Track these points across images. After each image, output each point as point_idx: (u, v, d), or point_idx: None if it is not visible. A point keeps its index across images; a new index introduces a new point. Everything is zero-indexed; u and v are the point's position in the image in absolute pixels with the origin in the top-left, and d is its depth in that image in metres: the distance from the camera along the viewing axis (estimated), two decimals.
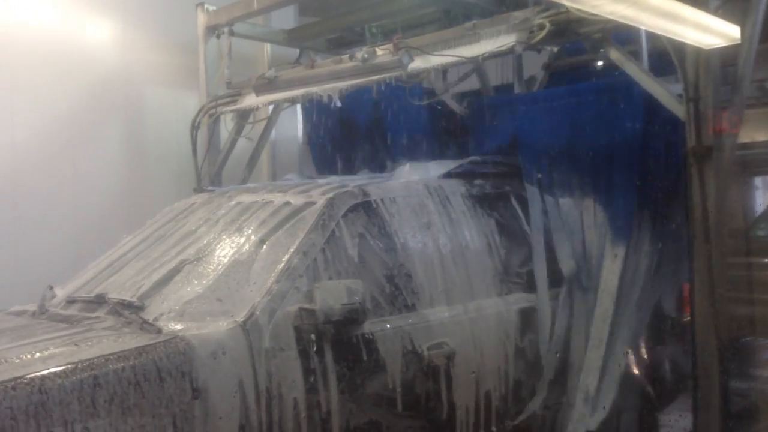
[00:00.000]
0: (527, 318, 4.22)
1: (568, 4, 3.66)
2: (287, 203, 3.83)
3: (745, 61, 4.07)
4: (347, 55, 4.92)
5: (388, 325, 3.55)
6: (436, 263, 3.89)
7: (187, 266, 3.57)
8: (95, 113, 6.43)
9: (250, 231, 3.72)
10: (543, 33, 4.11)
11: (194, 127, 6.24)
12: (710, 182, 3.77)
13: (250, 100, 5.66)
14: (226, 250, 3.63)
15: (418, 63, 4.46)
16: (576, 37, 4.19)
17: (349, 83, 4.80)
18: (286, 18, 7.34)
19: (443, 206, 4.13)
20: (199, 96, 6.50)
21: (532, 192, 4.53)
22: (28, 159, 5.93)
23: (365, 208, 3.80)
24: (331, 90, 4.89)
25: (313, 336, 3.25)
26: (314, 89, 5.03)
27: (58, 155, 6.12)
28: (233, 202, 4.13)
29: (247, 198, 4.12)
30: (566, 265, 4.42)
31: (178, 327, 3.09)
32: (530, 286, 4.32)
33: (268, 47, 7.23)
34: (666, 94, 3.95)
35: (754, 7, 4.03)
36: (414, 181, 4.23)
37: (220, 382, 2.96)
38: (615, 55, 4.10)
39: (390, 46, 4.62)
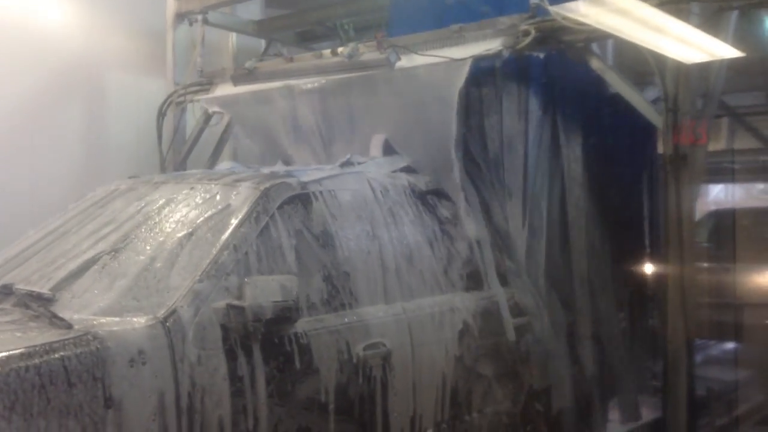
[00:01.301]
0: (475, 317, 4.02)
1: (557, 12, 3.81)
2: (218, 193, 3.55)
3: (716, 74, 4.30)
4: (329, 50, 4.96)
5: (323, 325, 3.34)
6: (376, 260, 3.70)
7: (104, 258, 3.27)
8: (56, 97, 6.29)
9: (175, 222, 3.44)
10: (528, 39, 4.23)
11: (161, 114, 6.18)
12: (685, 189, 3.98)
13: (224, 89, 5.63)
14: (148, 241, 3.35)
15: (404, 62, 4.53)
16: (559, 45, 4.32)
17: (331, 77, 4.84)
18: (251, 9, 7.31)
19: (386, 201, 3.95)
20: (166, 83, 6.42)
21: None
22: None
23: (303, 200, 3.58)
24: (311, 84, 4.92)
25: (241, 335, 3.02)
26: (294, 82, 5.05)
27: (16, 141, 5.96)
28: (159, 190, 3.81)
29: (174, 186, 3.81)
30: None
31: (92, 323, 2.79)
32: (476, 284, 4.17)
33: (233, 37, 7.19)
34: (645, 104, 4.13)
35: (725, 24, 4.26)
36: (357, 174, 4.03)
37: (137, 386, 2.70)
38: (596, 64, 4.26)
39: (373, 43, 4.67)
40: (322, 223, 3.59)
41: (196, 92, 6.02)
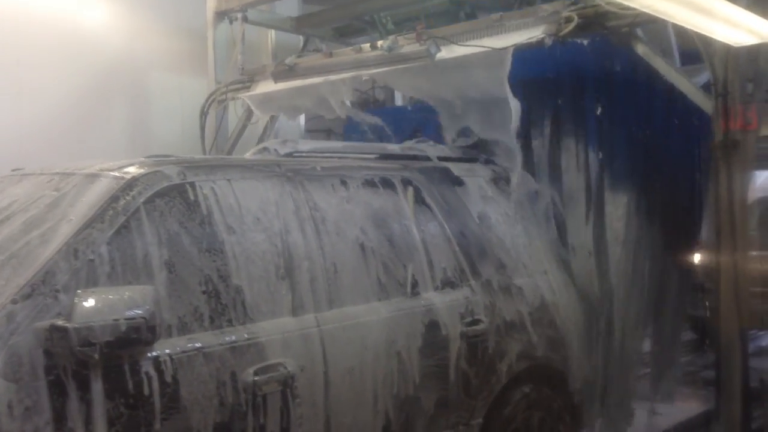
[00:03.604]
0: (422, 327, 3.45)
1: None
2: (75, 186, 2.94)
3: (766, 57, 4.17)
4: (368, 44, 4.95)
5: (197, 346, 2.71)
6: (281, 264, 3.08)
7: None
8: (101, 98, 6.39)
9: (14, 219, 2.85)
10: (571, 26, 4.16)
11: (203, 113, 6.24)
12: (736, 174, 3.88)
13: (265, 86, 5.65)
14: None
15: (443, 54, 4.50)
16: (603, 30, 4.25)
17: (371, 72, 4.83)
18: (289, 6, 7.35)
19: (300, 192, 3.33)
20: (207, 82, 6.47)
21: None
22: (33, 145, 5.85)
23: (182, 194, 2.93)
24: (352, 79, 4.92)
25: (73, 363, 2.42)
26: (333, 78, 5.05)
27: (63, 141, 6.05)
28: (20, 184, 3.24)
29: (36, 179, 3.21)
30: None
31: None
32: (421, 288, 3.56)
33: (272, 34, 7.21)
34: (693, 88, 4.04)
35: None
36: (264, 160, 3.49)
37: None
38: (642, 49, 4.17)
39: (413, 35, 4.64)
40: (208, 222, 2.95)
41: (237, 90, 6.05)
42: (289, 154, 3.69)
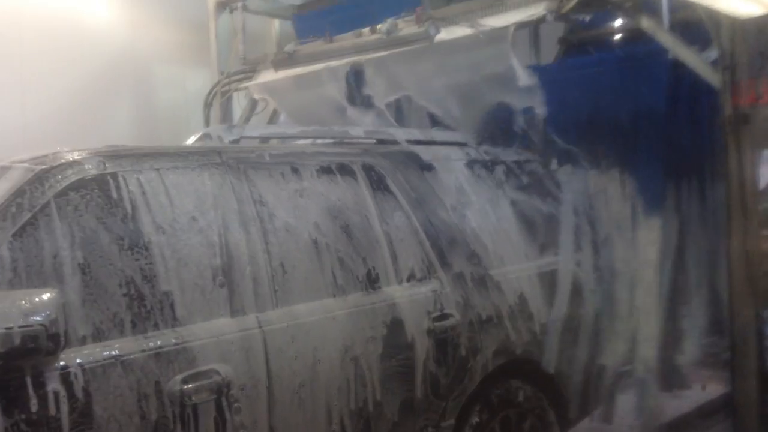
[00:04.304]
0: (383, 324, 3.16)
1: None
2: None
3: None
4: (368, 28, 4.86)
5: (114, 354, 2.44)
6: (217, 262, 2.78)
7: None
8: (104, 91, 6.38)
9: None
10: (573, 1, 4.04)
11: (207, 105, 6.19)
12: (747, 151, 3.75)
13: (267, 76, 5.59)
14: None
15: (443, 35, 4.40)
16: (606, 5, 4.13)
17: (371, 56, 4.75)
18: None
19: (244, 183, 3.01)
20: (210, 73, 6.42)
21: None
22: (38, 138, 5.82)
23: (101, 185, 2.63)
24: (353, 63, 4.84)
25: None
26: (335, 63, 4.97)
27: (66, 134, 6.01)
28: None
29: None
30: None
31: None
32: (382, 283, 3.25)
33: (276, 23, 7.13)
34: (700, 62, 3.91)
35: None
36: (202, 147, 3.16)
37: None
38: (647, 24, 4.04)
39: (412, 17, 4.55)
40: (132, 217, 2.66)
41: (240, 80, 6.00)
42: (236, 141, 3.42)
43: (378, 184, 3.47)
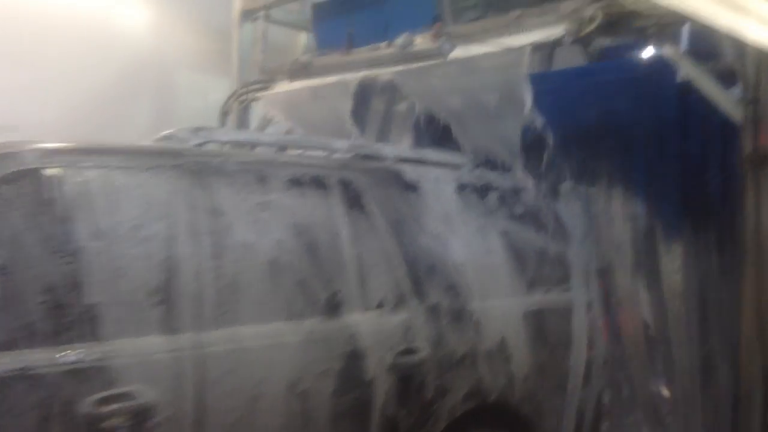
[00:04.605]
0: (339, 355, 2.88)
1: None
2: None
3: None
4: (385, 42, 4.75)
5: (19, 366, 2.20)
6: (156, 274, 2.52)
7: None
8: (125, 93, 6.40)
9: None
10: (593, 25, 3.87)
11: (224, 113, 6.10)
12: (766, 194, 3.51)
13: (283, 86, 5.49)
14: None
15: (459, 52, 4.27)
16: (629, 31, 3.94)
17: (387, 70, 4.62)
18: None
19: (201, 190, 2.74)
20: (232, 82, 6.35)
21: None
22: (58, 140, 5.83)
23: (35, 180, 2.41)
24: (367, 77, 4.72)
25: None
26: (349, 76, 4.86)
27: (86, 133, 5.99)
28: None
29: None
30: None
31: None
32: (345, 309, 2.96)
33: (303, 36, 7.08)
34: (723, 95, 3.69)
35: None
36: (159, 147, 2.90)
37: None
38: (670, 52, 3.84)
39: (430, 33, 4.43)
40: (66, 218, 2.41)
41: (257, 90, 5.91)
42: (203, 145, 3.10)
43: (354, 201, 3.19)
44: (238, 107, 6.11)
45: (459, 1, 5.12)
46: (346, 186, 3.20)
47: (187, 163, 2.75)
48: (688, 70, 3.82)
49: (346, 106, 4.86)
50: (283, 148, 3.67)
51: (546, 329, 3.67)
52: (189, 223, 2.64)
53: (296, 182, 3.03)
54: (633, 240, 4.00)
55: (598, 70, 4.02)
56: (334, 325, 2.89)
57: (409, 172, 3.54)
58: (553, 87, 4.01)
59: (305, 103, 5.34)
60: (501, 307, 3.52)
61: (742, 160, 3.59)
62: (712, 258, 3.85)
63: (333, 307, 2.91)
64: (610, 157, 4.03)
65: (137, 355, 2.40)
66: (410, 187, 3.49)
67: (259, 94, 5.85)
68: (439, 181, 3.64)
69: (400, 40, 4.45)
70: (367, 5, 5.28)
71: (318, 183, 3.11)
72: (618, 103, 3.91)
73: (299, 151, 3.63)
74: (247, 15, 6.23)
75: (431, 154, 3.88)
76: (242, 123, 6.19)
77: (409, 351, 3.06)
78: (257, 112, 6.12)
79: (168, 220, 2.60)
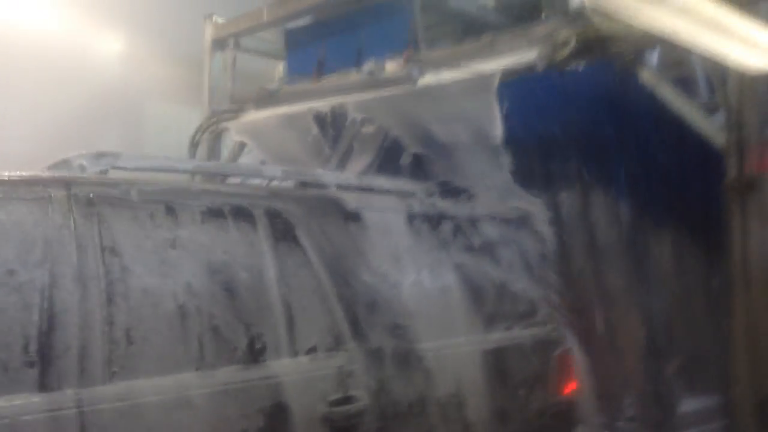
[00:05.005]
0: (260, 407, 2.51)
1: (595, 9, 3.30)
2: None
3: None
4: (355, 69, 4.58)
5: None
6: (32, 327, 2.15)
7: None
8: (93, 124, 6.17)
9: None
10: (567, 49, 3.71)
11: (193, 144, 5.89)
12: (752, 220, 3.34)
13: (251, 115, 5.31)
14: None
15: (430, 78, 4.09)
16: (605, 55, 3.78)
17: (356, 98, 4.44)
18: None
19: (94, 225, 2.37)
20: (203, 111, 6.17)
21: None
22: (22, 169, 5.63)
23: None
24: (336, 105, 4.53)
25: None
26: (318, 104, 4.67)
27: (49, 159, 5.82)
28: None
29: None
30: None
31: None
32: (269, 356, 2.61)
33: (281, 65, 6.92)
34: (704, 121, 3.53)
35: None
36: (45, 177, 2.42)
37: None
38: (648, 77, 3.68)
39: (400, 60, 4.27)
40: None
41: (227, 119, 5.72)
42: (105, 172, 2.69)
43: (283, 234, 2.83)
44: (209, 137, 5.92)
45: (434, 27, 5.01)
46: (274, 217, 2.84)
47: (78, 194, 2.36)
48: (668, 95, 3.67)
49: (313, 132, 4.68)
50: (209, 175, 3.38)
51: (507, 369, 3.36)
52: (75, 266, 2.26)
53: (213, 214, 2.66)
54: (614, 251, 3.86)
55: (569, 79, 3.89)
56: (254, 374, 2.52)
57: (351, 201, 3.20)
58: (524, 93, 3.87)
59: (273, 131, 5.16)
60: (455, 347, 3.19)
61: (725, 188, 3.42)
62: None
63: (253, 355, 2.55)
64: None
65: (6, 416, 2.03)
66: (352, 217, 3.15)
67: (228, 123, 5.66)
68: (386, 211, 3.30)
69: (367, 66, 4.28)
70: (341, 31, 5.14)
71: (240, 214, 2.74)
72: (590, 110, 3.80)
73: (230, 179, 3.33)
74: (219, 44, 6.06)
75: (378, 181, 3.58)
76: (213, 153, 6.00)
77: (345, 400, 2.70)
78: (228, 141, 5.94)
79: (49, 263, 2.22)
